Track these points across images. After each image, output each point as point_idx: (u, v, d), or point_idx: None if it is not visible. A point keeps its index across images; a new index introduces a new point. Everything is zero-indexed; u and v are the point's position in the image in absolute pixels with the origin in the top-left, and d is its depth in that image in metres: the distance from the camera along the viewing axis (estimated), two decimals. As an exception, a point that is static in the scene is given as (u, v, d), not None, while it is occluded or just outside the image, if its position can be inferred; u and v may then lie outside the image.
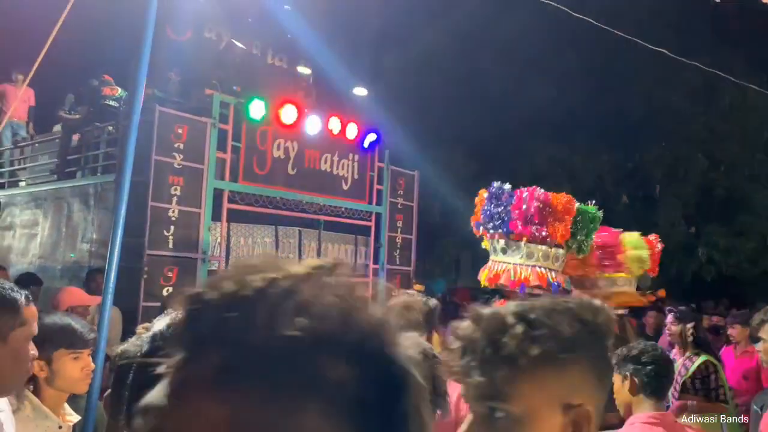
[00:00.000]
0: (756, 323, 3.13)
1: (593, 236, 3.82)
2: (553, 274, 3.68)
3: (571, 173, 13.99)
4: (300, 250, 7.89)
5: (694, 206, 15.37)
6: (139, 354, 1.32)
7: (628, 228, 4.69)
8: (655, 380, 2.77)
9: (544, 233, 3.65)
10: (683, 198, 15.13)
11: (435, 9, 12.52)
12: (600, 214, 3.87)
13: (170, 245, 6.37)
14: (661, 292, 4.79)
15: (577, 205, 3.83)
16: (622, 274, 4.27)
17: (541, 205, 3.67)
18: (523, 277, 3.68)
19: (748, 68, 13.39)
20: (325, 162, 8.05)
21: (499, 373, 0.99)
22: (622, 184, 15.23)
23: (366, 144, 8.22)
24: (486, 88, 13.39)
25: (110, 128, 7.65)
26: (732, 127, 14.77)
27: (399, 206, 9.02)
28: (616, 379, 2.85)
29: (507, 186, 3.88)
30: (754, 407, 4.40)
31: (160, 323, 1.26)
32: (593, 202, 4.15)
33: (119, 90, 8.08)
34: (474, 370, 1.00)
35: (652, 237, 4.61)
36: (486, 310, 1.05)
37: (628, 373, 2.79)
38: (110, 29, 8.12)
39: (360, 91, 8.25)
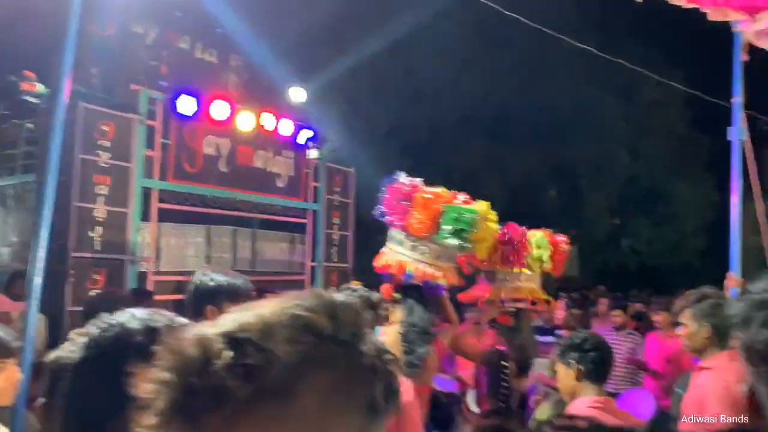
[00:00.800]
0: (677, 309, 3.29)
1: (477, 234, 3.71)
2: (429, 269, 3.65)
3: (502, 168, 14.32)
4: (234, 250, 7.76)
5: (618, 199, 16.01)
6: (74, 360, 1.26)
7: (557, 221, 4.80)
8: (597, 367, 2.90)
9: (401, 223, 3.70)
10: (608, 191, 15.74)
11: (369, 6, 12.53)
12: (476, 215, 3.66)
13: (97, 247, 6.14)
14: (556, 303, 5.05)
15: (451, 203, 3.75)
16: (526, 270, 4.38)
17: (403, 197, 3.72)
18: (406, 269, 3.71)
19: (669, 65, 14.04)
20: (259, 159, 7.94)
21: (207, 426, 0.68)
22: (550, 179, 15.69)
23: (301, 140, 8.14)
24: (420, 85, 13.53)
25: (30, 126, 7.29)
26: (653, 122, 15.46)
27: (335, 203, 9.00)
28: (560, 367, 2.96)
29: (401, 177, 3.85)
30: (676, 389, 4.62)
31: (93, 329, 1.21)
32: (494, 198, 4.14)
33: (39, 86, 7.70)
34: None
35: (561, 237, 4.64)
36: (190, 334, 0.73)
37: (572, 361, 2.89)
38: (30, 24, 7.72)
39: (298, 92, 8.15)
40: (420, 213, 3.64)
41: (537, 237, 4.44)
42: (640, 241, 15.72)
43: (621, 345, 6.55)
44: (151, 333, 1.15)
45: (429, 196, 3.70)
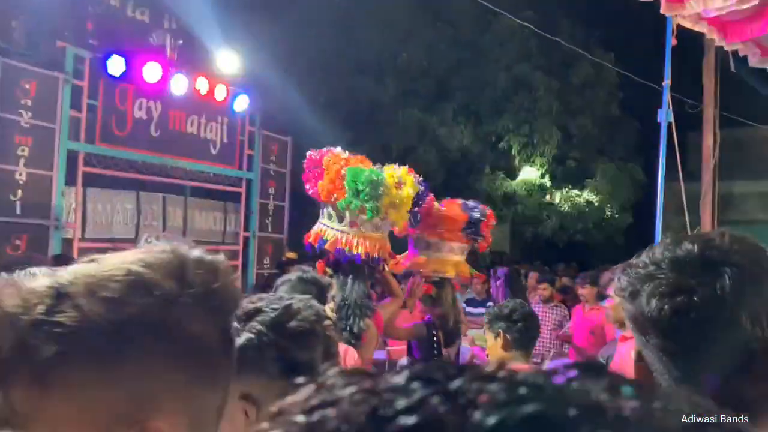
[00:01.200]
0: (604, 283, 3.42)
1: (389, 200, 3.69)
2: (344, 237, 3.62)
3: (438, 143, 14.43)
4: (164, 218, 7.56)
5: (548, 176, 16.42)
6: None
7: (490, 197, 4.89)
8: (524, 335, 2.99)
9: (313, 190, 3.72)
10: (539, 168, 16.12)
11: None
12: (377, 177, 3.56)
13: (18, 211, 5.86)
14: (479, 275, 5.18)
15: (352, 166, 3.70)
16: (458, 242, 4.45)
17: (315, 165, 3.73)
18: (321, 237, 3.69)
19: (602, 47, 14.41)
20: (192, 124, 7.72)
21: (15, 385, 0.63)
22: (484, 155, 15.93)
23: (236, 107, 7.95)
24: (362, 56, 13.41)
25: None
26: (584, 102, 15.87)
27: (271, 173, 8.87)
28: (489, 336, 3.04)
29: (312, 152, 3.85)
30: (600, 359, 4.83)
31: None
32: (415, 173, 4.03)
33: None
34: None
35: (486, 211, 4.74)
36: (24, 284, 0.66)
37: (500, 331, 2.97)
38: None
39: (232, 57, 7.92)
40: (325, 177, 3.65)
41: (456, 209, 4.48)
42: (567, 217, 16.21)
43: (548, 317, 6.78)
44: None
45: (333, 160, 3.68)
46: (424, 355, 4.26)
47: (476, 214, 4.38)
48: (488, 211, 4.59)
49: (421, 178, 3.95)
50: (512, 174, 16.04)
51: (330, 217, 3.74)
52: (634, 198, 16.48)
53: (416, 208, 3.83)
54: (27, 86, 5.94)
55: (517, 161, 15.95)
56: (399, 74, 13.78)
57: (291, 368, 1.19)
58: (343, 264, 3.61)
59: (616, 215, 16.54)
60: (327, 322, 1.25)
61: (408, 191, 3.69)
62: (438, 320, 4.31)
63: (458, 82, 14.55)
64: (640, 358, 0.85)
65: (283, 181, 9.14)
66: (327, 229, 3.72)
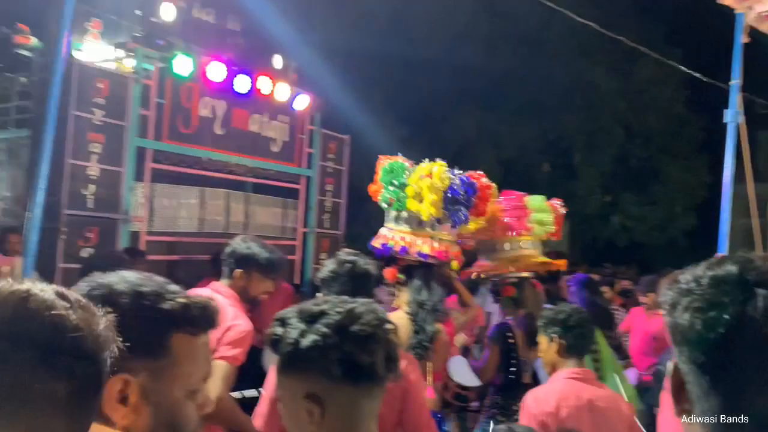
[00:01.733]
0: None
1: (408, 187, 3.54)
2: (398, 237, 3.58)
3: (496, 141, 14.31)
4: (227, 213, 7.76)
5: (610, 176, 16.07)
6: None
7: (548, 196, 4.79)
8: (579, 342, 2.95)
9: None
10: (601, 167, 15.78)
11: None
12: (403, 165, 3.57)
13: (90, 205, 6.13)
14: (562, 262, 4.86)
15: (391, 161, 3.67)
16: (527, 237, 4.34)
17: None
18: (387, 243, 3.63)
19: (668, 44, 13.97)
20: (254, 123, 7.89)
21: None
22: (544, 153, 15.70)
23: (296, 106, 8.09)
24: (418, 53, 13.41)
25: (23, 80, 7.21)
26: (649, 100, 15.44)
27: (329, 170, 8.98)
28: (543, 340, 3.02)
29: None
30: (659, 367, 4.71)
31: (83, 286, 1.22)
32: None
33: (34, 40, 7.59)
34: None
35: (556, 201, 4.63)
36: None
37: (555, 336, 2.94)
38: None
39: (291, 57, 8.06)
40: (376, 176, 3.72)
41: (536, 201, 4.42)
42: (630, 218, 15.82)
43: (606, 320, 6.66)
44: (138, 297, 1.17)
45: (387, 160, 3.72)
46: (502, 359, 4.17)
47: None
48: (556, 200, 4.51)
49: (482, 177, 3.83)
50: (572, 173, 15.75)
51: (395, 220, 3.72)
52: (699, 199, 15.94)
53: (459, 205, 3.62)
54: (100, 85, 6.19)
55: (577, 160, 15.66)
56: (456, 71, 13.69)
57: (353, 371, 1.24)
58: (418, 269, 3.52)
59: (680, 217, 16.04)
60: (389, 326, 1.29)
61: (430, 182, 3.53)
62: (519, 322, 4.22)
63: (517, 79, 14.33)
64: (675, 370, 0.89)
65: (341, 179, 9.24)
66: (389, 231, 3.69)
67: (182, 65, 6.61)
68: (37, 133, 5.99)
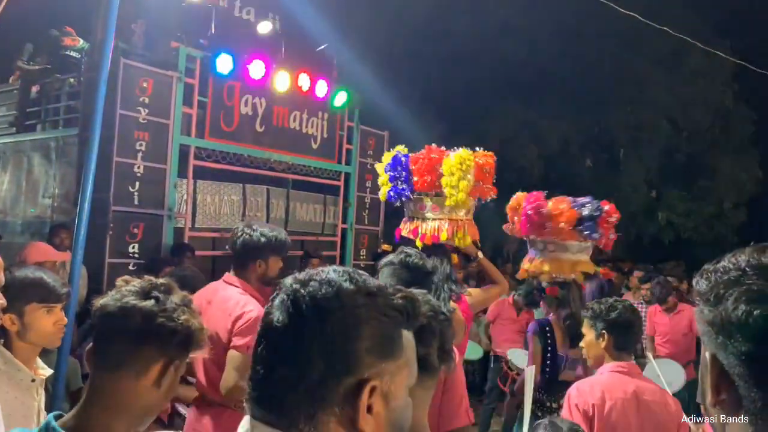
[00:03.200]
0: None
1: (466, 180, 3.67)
2: (427, 223, 3.75)
3: (537, 136, 14.10)
4: (268, 209, 7.86)
5: (656, 171, 15.69)
6: (121, 305, 1.33)
7: (592, 192, 4.68)
8: (625, 336, 2.92)
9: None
10: (646, 162, 15.42)
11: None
12: (469, 155, 3.69)
13: (136, 201, 6.28)
14: (605, 270, 4.81)
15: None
16: (574, 242, 4.29)
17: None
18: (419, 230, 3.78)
19: (714, 35, 13.56)
20: (294, 120, 7.97)
21: None
22: (587, 148, 15.42)
23: (336, 102, 8.14)
24: (456, 47, 13.31)
25: (71, 80, 7.42)
26: (695, 93, 15.01)
27: (368, 166, 9.01)
28: (589, 333, 2.98)
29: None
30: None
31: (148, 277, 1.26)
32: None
33: (81, 41, 7.82)
34: None
35: (603, 207, 4.53)
36: None
37: (603, 330, 2.91)
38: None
39: (329, 54, 8.10)
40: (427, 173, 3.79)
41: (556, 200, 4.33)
42: (676, 214, 15.43)
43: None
44: (374, 296, 1.05)
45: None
46: (542, 357, 4.18)
47: (586, 211, 4.19)
48: (608, 207, 4.38)
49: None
50: (616, 168, 15.43)
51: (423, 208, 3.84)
52: (749, 194, 15.45)
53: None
54: (145, 85, 6.33)
55: (621, 154, 15.35)
56: (496, 66, 13.53)
57: None
58: (428, 246, 3.64)
59: (729, 213, 15.58)
60: (443, 317, 1.27)
61: (457, 169, 3.66)
62: (562, 322, 4.21)
63: (559, 73, 14.07)
64: (714, 361, 0.87)
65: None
66: (416, 220, 3.82)
67: (224, 64, 6.72)
68: (85, 131, 6.18)
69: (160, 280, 1.38)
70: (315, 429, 0.95)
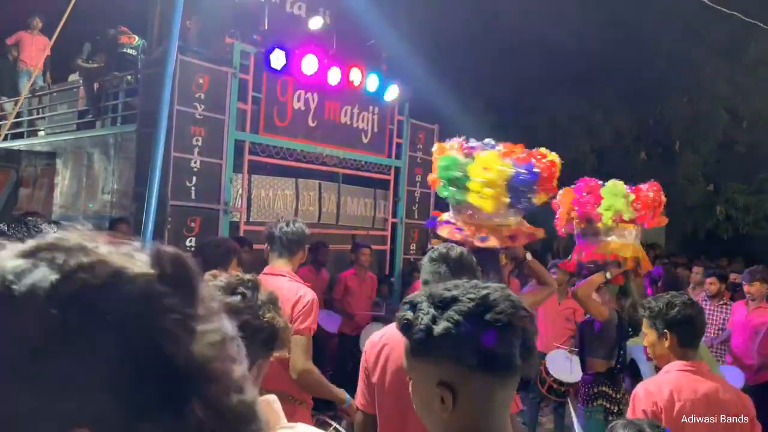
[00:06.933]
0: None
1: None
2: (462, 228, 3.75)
3: (590, 128, 13.80)
4: (320, 203, 7.90)
5: (713, 163, 15.18)
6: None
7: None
8: (689, 333, 2.81)
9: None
10: (703, 155, 14.93)
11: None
12: (455, 161, 3.76)
13: (193, 196, 6.39)
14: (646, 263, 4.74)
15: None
16: (625, 226, 4.22)
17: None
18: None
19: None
20: (345, 114, 7.98)
21: None
22: (641, 140, 15.02)
23: (386, 97, 8.11)
24: (505, 39, 13.10)
25: (129, 78, 7.59)
26: (756, 82, 14.43)
27: (418, 160, 8.97)
28: (650, 332, 2.88)
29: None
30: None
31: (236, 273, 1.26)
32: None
33: (137, 39, 7.98)
34: None
35: (652, 187, 4.44)
36: None
37: (665, 330, 2.81)
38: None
39: (380, 49, 8.09)
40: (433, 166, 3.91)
41: (607, 187, 4.28)
42: (735, 208, 14.90)
43: (715, 315, 6.34)
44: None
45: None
46: (612, 345, 4.19)
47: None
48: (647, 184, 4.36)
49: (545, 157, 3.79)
50: (671, 161, 14.98)
51: (458, 211, 3.84)
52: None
53: (523, 192, 3.68)
54: (200, 81, 6.43)
55: (677, 146, 14.88)
56: (548, 56, 13.25)
57: (489, 360, 1.19)
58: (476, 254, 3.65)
59: (793, 206, 14.97)
60: (524, 314, 1.23)
61: (489, 177, 3.60)
62: (623, 312, 4.17)
63: (613, 63, 13.67)
64: None
65: (430, 169, 9.13)
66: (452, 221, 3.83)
67: (277, 59, 6.76)
68: (143, 127, 6.31)
69: (247, 276, 1.37)
70: None
